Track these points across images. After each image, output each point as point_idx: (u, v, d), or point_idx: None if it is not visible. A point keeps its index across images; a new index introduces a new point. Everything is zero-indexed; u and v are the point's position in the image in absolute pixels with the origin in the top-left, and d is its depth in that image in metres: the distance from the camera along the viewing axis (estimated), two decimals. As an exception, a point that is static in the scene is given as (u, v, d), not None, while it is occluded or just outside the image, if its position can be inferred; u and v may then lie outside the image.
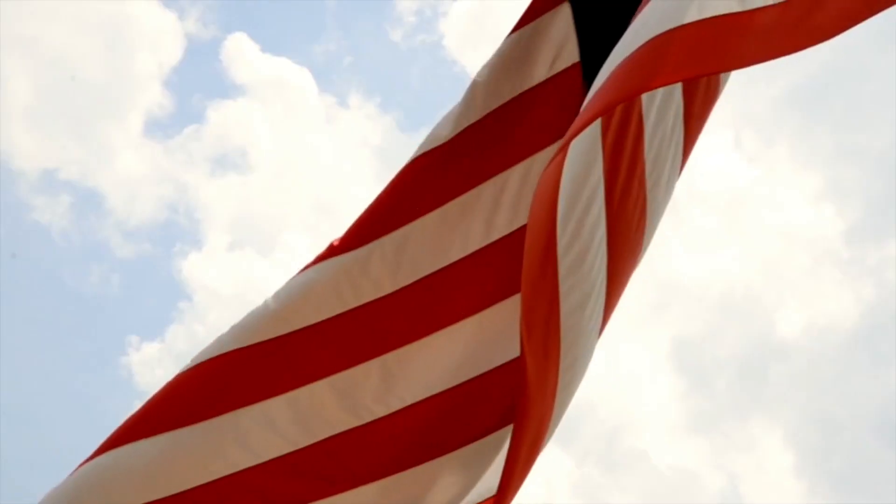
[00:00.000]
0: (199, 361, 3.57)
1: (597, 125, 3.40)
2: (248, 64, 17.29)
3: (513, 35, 3.76)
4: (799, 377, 16.45)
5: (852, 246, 17.14)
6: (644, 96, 3.55)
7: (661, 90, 3.59)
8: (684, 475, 15.77)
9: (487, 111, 3.71)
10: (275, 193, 17.78)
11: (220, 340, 3.59)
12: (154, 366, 15.78)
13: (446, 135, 3.69)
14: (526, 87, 3.72)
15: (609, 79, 2.78)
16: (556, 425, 3.43)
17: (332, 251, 3.61)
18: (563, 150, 2.87)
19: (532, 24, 3.75)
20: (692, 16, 2.68)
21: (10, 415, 13.82)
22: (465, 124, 3.70)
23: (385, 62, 18.90)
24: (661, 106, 3.63)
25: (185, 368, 3.57)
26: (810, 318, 17.04)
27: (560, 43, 3.71)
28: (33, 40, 16.52)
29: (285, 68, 17.77)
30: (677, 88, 3.67)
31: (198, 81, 17.72)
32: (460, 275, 3.62)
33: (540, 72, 3.72)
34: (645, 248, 3.72)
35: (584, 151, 3.40)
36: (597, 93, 2.83)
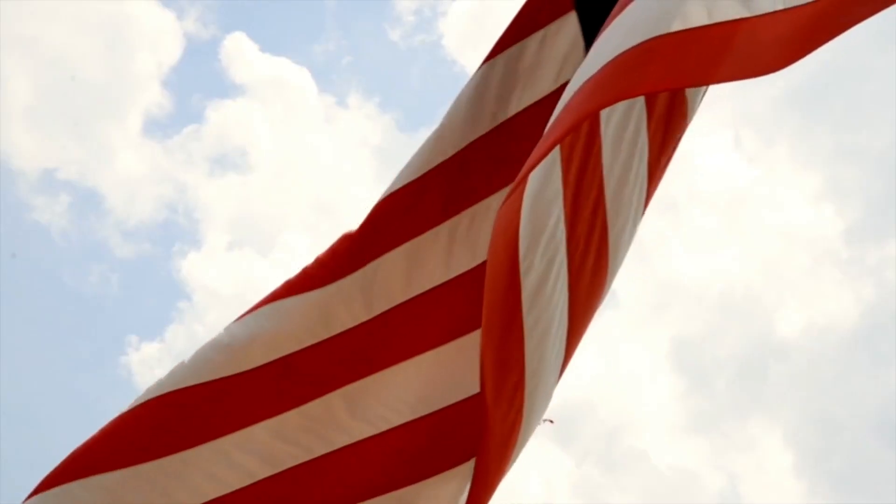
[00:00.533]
0: (179, 387, 3.58)
1: (556, 149, 3.30)
2: (247, 64, 17.31)
3: (516, 46, 3.70)
4: (799, 377, 16.47)
5: (852, 246, 17.15)
6: (602, 119, 3.44)
7: (620, 111, 3.48)
8: (684, 475, 15.79)
9: (494, 125, 3.68)
10: (274, 193, 17.79)
11: (199, 363, 3.60)
12: (154, 365, 15.80)
13: (451, 147, 3.66)
14: (533, 99, 3.68)
15: (580, 91, 2.70)
16: (514, 461, 3.40)
17: (305, 284, 3.61)
18: (524, 179, 2.81)
19: (540, 33, 3.69)
20: (699, 19, 2.61)
21: (10, 415, 13.83)
22: (467, 141, 3.67)
23: (384, 62, 18.91)
24: (620, 127, 3.52)
25: (160, 394, 3.58)
26: (810, 318, 17.05)
27: (566, 52, 3.66)
28: (33, 40, 16.53)
29: (285, 68, 17.80)
30: (641, 114, 3.55)
31: (197, 81, 17.73)
32: (437, 303, 3.61)
33: (546, 84, 3.68)
34: (610, 279, 3.59)
35: (542, 178, 3.31)
36: (564, 108, 2.74)
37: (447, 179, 3.64)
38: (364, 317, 3.59)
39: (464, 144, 3.66)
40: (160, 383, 3.60)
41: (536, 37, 3.70)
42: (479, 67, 3.73)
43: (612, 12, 2.84)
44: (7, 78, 16.40)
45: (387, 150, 17.24)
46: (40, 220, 16.66)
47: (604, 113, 3.43)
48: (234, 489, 3.58)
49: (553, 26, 3.69)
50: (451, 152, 3.66)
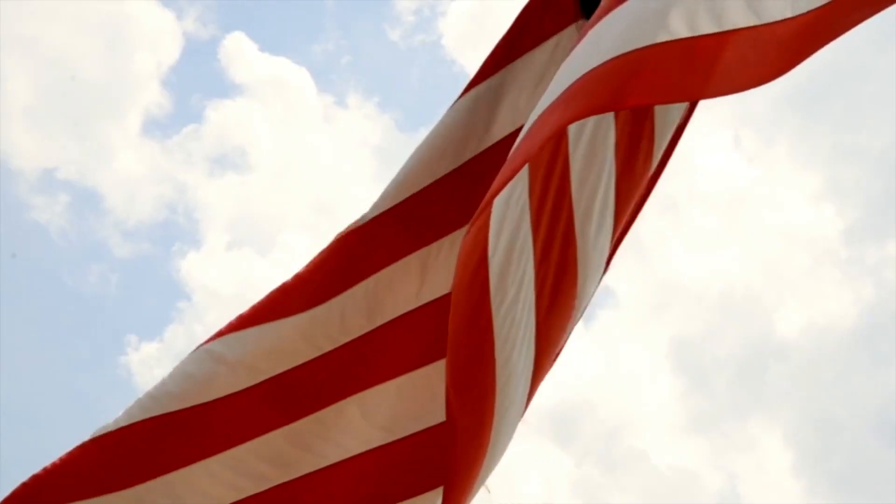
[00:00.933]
0: (187, 404, 3.58)
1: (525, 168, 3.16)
2: (246, 63, 17.29)
3: (520, 59, 3.61)
4: (798, 377, 16.46)
5: (851, 246, 17.15)
6: (569, 131, 3.31)
7: (587, 122, 3.34)
8: (684, 475, 15.78)
9: (502, 136, 3.61)
10: (274, 193, 17.78)
11: (199, 377, 3.59)
12: (153, 365, 15.79)
13: (452, 162, 3.61)
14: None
15: (556, 102, 2.58)
16: (482, 482, 3.35)
17: (280, 310, 3.60)
18: (491, 200, 2.75)
19: (550, 43, 3.62)
20: (707, 27, 2.51)
21: (10, 415, 13.83)
22: (467, 157, 3.62)
23: (384, 62, 18.90)
24: (583, 136, 3.38)
25: (160, 413, 3.58)
26: (810, 318, 17.04)
27: None
28: (33, 40, 16.52)
29: (284, 68, 17.77)
30: (606, 126, 3.40)
31: (196, 81, 17.71)
32: (411, 327, 3.59)
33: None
34: (581, 299, 3.46)
35: (510, 194, 3.18)
36: (537, 119, 2.63)
37: (451, 191, 3.60)
38: (347, 337, 3.58)
39: (464, 160, 3.62)
40: (163, 391, 3.59)
41: (546, 48, 3.62)
42: (476, 83, 3.65)
43: (594, 16, 2.73)
44: (7, 78, 16.40)
45: (386, 150, 17.24)
46: (40, 219, 16.67)
47: (571, 126, 3.27)
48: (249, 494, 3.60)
49: (564, 36, 3.61)
50: (454, 165, 3.62)
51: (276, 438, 3.59)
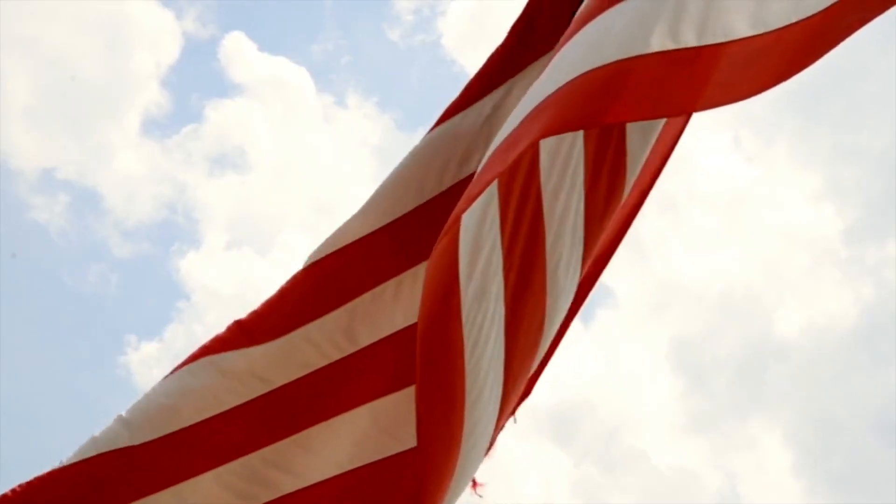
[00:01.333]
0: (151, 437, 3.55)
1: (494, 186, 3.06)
2: (246, 63, 17.31)
3: (513, 79, 3.53)
4: (798, 377, 16.46)
5: (851, 246, 17.14)
6: (541, 154, 3.20)
7: (561, 149, 3.24)
8: (684, 475, 15.79)
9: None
10: (273, 193, 17.79)
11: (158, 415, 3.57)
12: (152, 365, 15.79)
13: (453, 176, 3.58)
14: None
15: (532, 113, 2.52)
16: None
17: (275, 327, 3.55)
18: (459, 215, 2.70)
19: (538, 63, 3.54)
20: (712, 37, 2.45)
21: (9, 414, 13.83)
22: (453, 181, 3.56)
23: (383, 62, 18.90)
24: (559, 162, 3.28)
25: (162, 433, 3.56)
26: (810, 317, 17.04)
27: None
28: (33, 40, 16.53)
29: (283, 68, 17.78)
30: (577, 142, 3.30)
31: (196, 81, 17.71)
32: (385, 352, 3.55)
33: None
34: (550, 325, 3.39)
35: (481, 210, 3.10)
36: (514, 130, 2.55)
37: (442, 213, 3.55)
38: (317, 365, 3.56)
39: (455, 181, 3.57)
40: (161, 405, 3.56)
41: (538, 66, 3.53)
42: (462, 108, 3.58)
43: (579, 17, 2.64)
44: (7, 78, 16.41)
45: (386, 149, 17.24)
46: (39, 219, 16.67)
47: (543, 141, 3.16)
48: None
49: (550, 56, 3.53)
50: (443, 187, 3.54)
51: (289, 447, 3.57)
